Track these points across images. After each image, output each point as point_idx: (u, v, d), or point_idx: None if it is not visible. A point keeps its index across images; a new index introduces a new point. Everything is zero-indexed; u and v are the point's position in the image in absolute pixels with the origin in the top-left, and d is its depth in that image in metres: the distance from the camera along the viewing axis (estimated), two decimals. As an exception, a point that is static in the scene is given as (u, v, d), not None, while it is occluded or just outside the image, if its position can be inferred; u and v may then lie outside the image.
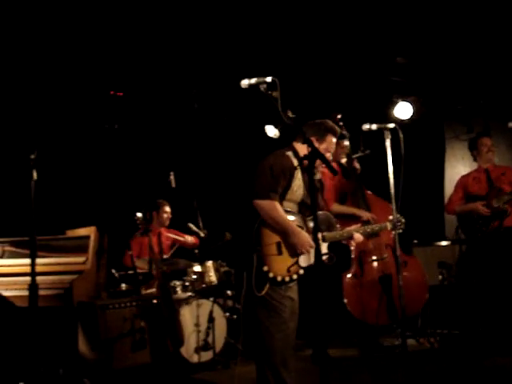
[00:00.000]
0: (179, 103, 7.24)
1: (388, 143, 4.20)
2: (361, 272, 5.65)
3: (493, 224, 5.95)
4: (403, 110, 7.26)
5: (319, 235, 3.81)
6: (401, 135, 4.11)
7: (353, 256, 5.69)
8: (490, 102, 7.70)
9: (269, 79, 3.44)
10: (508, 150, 7.62)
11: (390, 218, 4.31)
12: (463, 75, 7.61)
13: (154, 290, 5.87)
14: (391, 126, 4.22)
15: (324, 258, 3.95)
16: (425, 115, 7.81)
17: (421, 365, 5.28)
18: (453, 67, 7.49)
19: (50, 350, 4.61)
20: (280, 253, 3.87)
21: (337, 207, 5.80)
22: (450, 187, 7.24)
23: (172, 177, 6.15)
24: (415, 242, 6.93)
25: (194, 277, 6.18)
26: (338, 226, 4.13)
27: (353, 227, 4.21)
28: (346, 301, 5.63)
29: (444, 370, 5.22)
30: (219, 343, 5.83)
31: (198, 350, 5.71)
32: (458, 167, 8.03)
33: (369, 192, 6.05)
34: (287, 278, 3.86)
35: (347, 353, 5.87)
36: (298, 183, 3.96)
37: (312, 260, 3.89)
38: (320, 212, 4.02)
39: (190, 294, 6.00)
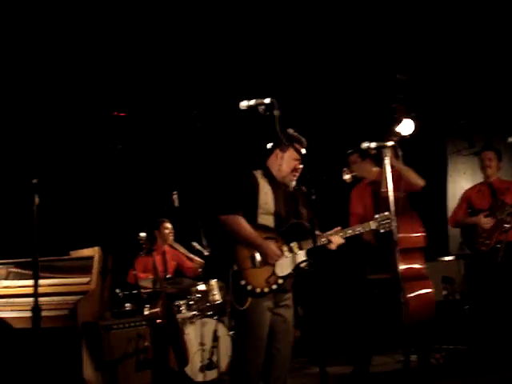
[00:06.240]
0: (181, 123, 7.30)
1: (387, 161, 4.16)
2: None
3: (496, 237, 5.93)
4: (405, 127, 7.24)
5: (294, 244, 3.92)
6: (400, 152, 4.09)
7: None
8: (491, 116, 7.72)
9: (267, 100, 3.48)
10: (509, 165, 7.61)
11: (376, 216, 4.11)
12: (464, 91, 7.64)
13: (158, 309, 5.87)
14: (390, 143, 4.20)
15: (303, 265, 3.96)
16: (426, 131, 7.83)
17: (427, 381, 5.25)
18: (453, 83, 7.53)
19: (54, 372, 4.61)
20: (254, 265, 3.89)
21: None
22: (452, 202, 7.24)
23: (175, 196, 6.18)
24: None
25: (198, 296, 6.18)
26: (316, 232, 3.98)
27: (332, 231, 4.07)
28: None
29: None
30: (224, 362, 5.83)
31: (202, 369, 5.72)
32: (460, 182, 8.02)
33: None
34: (266, 289, 3.87)
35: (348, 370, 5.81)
36: (265, 196, 4.01)
37: (290, 268, 3.92)
38: (293, 221, 4.02)
39: (194, 312, 6.01)
